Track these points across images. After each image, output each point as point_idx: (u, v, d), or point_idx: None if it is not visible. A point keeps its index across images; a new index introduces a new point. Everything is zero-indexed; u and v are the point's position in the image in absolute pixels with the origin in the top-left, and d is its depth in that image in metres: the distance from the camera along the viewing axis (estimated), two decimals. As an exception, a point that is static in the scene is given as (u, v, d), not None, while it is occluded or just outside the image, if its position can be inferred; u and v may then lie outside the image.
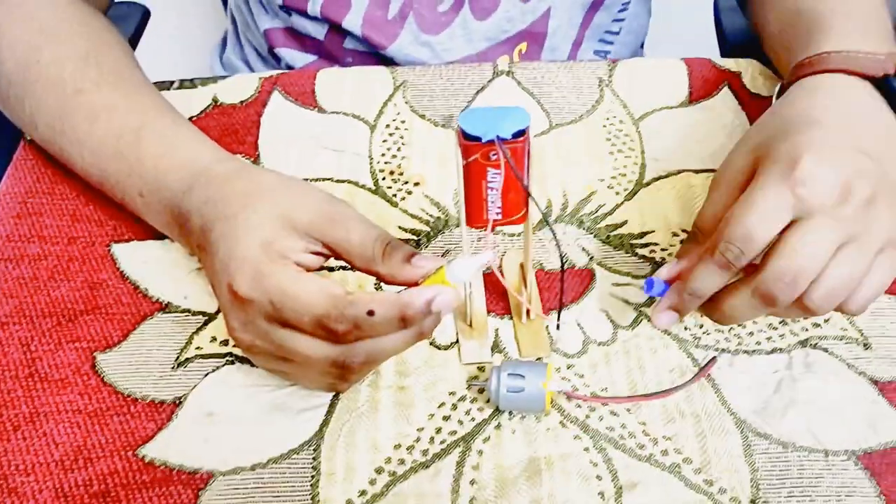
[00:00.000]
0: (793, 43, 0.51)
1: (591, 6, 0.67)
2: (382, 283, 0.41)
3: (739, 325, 0.46)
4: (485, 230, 0.41)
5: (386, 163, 0.54)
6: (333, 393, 0.43)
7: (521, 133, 0.37)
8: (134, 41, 0.75)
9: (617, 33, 0.71)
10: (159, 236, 0.50)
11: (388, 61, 0.65)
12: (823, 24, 0.49)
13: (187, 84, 0.59)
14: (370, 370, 0.41)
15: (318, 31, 0.66)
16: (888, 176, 0.40)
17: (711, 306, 0.41)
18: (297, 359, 0.38)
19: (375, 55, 0.66)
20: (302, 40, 0.67)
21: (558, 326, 0.45)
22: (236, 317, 0.39)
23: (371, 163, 0.54)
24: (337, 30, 0.65)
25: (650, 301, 0.46)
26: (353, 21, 0.64)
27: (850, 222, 0.38)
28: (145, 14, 0.79)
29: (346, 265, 0.41)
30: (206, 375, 0.44)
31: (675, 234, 0.50)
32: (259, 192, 0.41)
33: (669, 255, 0.49)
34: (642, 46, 0.78)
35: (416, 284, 0.39)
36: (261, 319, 0.38)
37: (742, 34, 0.72)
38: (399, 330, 0.37)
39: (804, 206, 0.38)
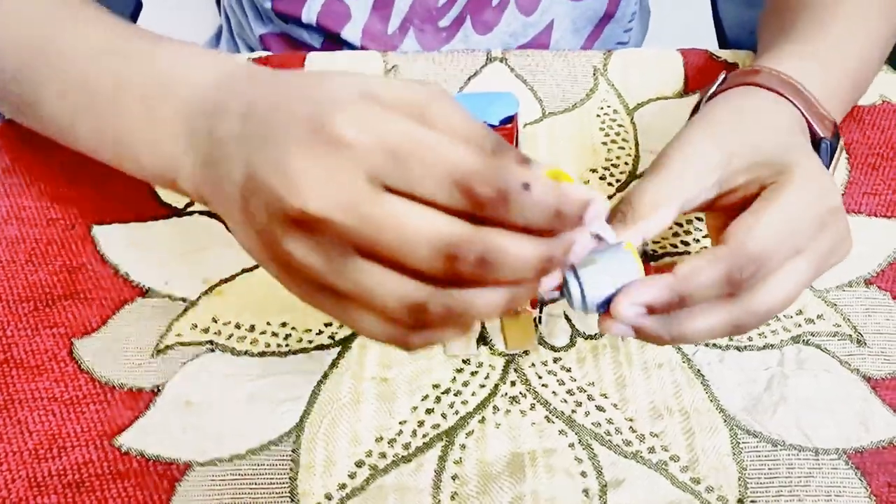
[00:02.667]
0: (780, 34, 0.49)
1: (602, 19, 0.67)
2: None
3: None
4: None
5: (375, 149, 0.53)
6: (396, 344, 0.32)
7: (510, 119, 0.36)
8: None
9: (626, 43, 0.71)
10: (141, 219, 0.49)
11: None
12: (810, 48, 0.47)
13: (174, 66, 0.58)
14: (445, 333, 0.30)
15: (315, 40, 0.65)
16: None
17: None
18: (363, 296, 0.29)
19: None
20: (298, 48, 0.66)
21: (540, 320, 0.44)
22: (318, 171, 0.29)
23: (359, 149, 0.53)
24: (334, 40, 0.64)
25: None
26: (352, 32, 0.63)
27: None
28: (137, 6, 0.78)
29: None
30: (185, 363, 0.43)
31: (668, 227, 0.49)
32: (328, 72, 0.32)
33: (662, 247, 0.48)
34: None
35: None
36: (359, 178, 0.28)
37: (741, 27, 0.71)
38: (544, 225, 0.28)
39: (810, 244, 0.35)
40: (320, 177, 0.28)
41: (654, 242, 0.48)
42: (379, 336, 0.31)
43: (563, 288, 0.34)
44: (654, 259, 0.48)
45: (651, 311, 0.33)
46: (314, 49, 0.65)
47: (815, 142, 0.42)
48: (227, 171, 0.32)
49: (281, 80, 0.32)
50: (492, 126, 0.36)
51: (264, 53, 0.60)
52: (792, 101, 0.42)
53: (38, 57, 0.41)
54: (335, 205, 0.27)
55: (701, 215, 0.49)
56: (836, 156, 0.43)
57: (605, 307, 0.33)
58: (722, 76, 0.45)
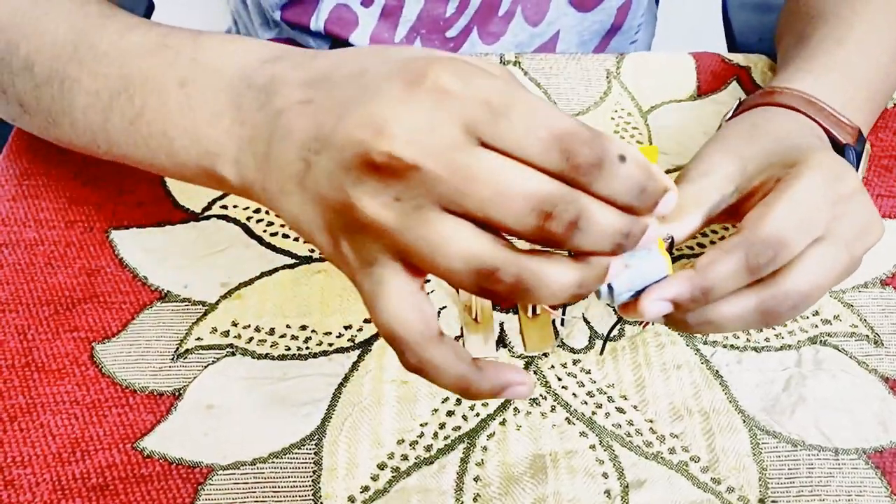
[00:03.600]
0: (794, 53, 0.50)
1: (609, 31, 0.67)
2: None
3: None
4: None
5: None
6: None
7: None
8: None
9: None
10: (158, 223, 0.49)
11: None
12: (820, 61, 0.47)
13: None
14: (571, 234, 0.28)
15: (321, 48, 0.65)
16: None
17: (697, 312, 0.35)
18: (429, 253, 0.28)
19: None
20: None
21: (563, 322, 0.44)
22: (411, 118, 0.28)
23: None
24: (340, 46, 0.64)
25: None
26: (359, 39, 0.63)
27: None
28: (150, 6, 0.78)
29: None
30: (205, 367, 0.43)
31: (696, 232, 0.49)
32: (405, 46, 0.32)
33: (678, 249, 0.48)
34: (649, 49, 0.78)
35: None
36: (454, 127, 0.27)
37: (751, 32, 0.71)
38: (627, 199, 0.28)
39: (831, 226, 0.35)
40: (414, 123, 0.27)
41: (688, 248, 0.49)
42: (472, 250, 0.28)
43: None
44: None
45: (677, 306, 0.34)
46: None
47: (839, 148, 0.42)
48: (283, 139, 0.31)
49: (358, 51, 0.32)
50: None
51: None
52: (806, 114, 0.42)
53: (71, 60, 0.40)
54: (428, 152, 0.27)
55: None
56: (862, 159, 0.44)
57: (632, 299, 0.34)
58: (737, 101, 0.47)
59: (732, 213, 0.39)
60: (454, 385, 0.31)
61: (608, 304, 0.34)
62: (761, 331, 0.45)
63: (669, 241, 0.36)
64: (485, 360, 0.32)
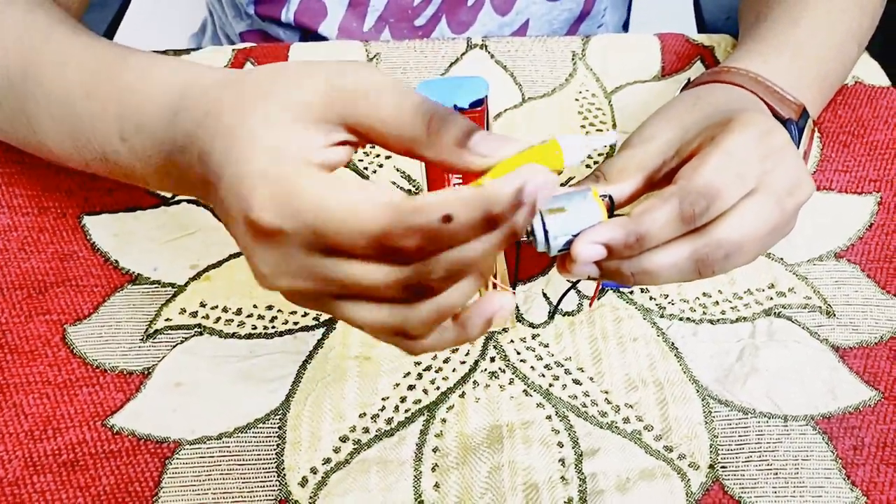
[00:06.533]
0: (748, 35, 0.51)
1: (577, 19, 0.68)
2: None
3: (704, 296, 0.46)
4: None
5: (358, 137, 0.54)
6: (408, 351, 0.34)
7: (480, 103, 0.37)
8: (114, 26, 0.75)
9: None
10: (129, 208, 0.50)
11: None
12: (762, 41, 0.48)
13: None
14: (450, 287, 0.31)
15: (291, 38, 0.66)
16: None
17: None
18: (355, 290, 0.30)
19: None
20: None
21: (514, 293, 0.45)
22: (264, 259, 0.30)
23: (343, 137, 0.54)
24: (310, 38, 0.65)
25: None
26: (328, 29, 0.64)
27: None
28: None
29: None
30: (174, 346, 0.44)
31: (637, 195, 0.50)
32: (255, 92, 0.33)
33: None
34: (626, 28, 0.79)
35: (480, 174, 0.31)
36: (299, 253, 0.30)
37: (719, 10, 0.72)
38: (484, 233, 0.29)
39: (763, 178, 0.36)
40: (267, 259, 0.30)
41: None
42: (378, 323, 0.31)
43: (528, 230, 0.35)
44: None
45: (610, 252, 0.34)
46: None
47: (782, 123, 0.43)
48: (214, 200, 0.34)
49: (253, 129, 0.32)
50: (461, 109, 0.37)
51: (249, 45, 0.61)
52: (749, 89, 0.43)
53: (25, 82, 0.43)
54: (289, 282, 0.31)
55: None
56: (805, 134, 0.45)
57: (568, 249, 0.35)
58: (687, 80, 0.47)
59: (674, 176, 0.39)
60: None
61: (544, 252, 0.35)
62: (717, 304, 0.46)
63: (608, 199, 0.37)
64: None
